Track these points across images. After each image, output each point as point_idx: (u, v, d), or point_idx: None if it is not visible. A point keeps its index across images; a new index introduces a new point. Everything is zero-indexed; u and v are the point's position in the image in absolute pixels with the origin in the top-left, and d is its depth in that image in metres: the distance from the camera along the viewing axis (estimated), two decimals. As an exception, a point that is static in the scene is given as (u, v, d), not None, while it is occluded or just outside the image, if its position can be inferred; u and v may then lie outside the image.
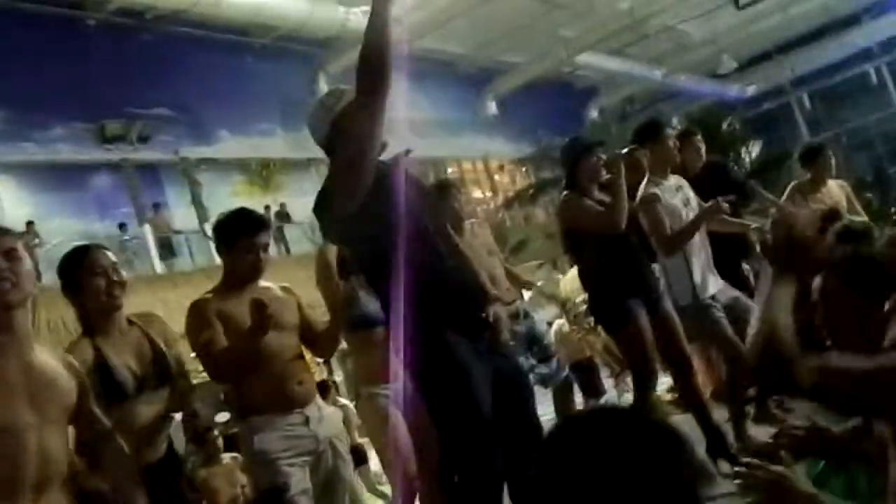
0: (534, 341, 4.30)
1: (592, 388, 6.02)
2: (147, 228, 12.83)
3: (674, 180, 3.83)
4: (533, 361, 4.26)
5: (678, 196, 3.77)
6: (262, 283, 2.81)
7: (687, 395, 3.66)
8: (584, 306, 5.73)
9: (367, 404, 3.29)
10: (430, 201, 3.84)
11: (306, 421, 2.70)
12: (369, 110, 2.18)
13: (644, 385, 3.53)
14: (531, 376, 3.96)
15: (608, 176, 3.45)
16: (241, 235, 2.75)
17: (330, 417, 2.84)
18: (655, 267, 3.76)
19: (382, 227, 2.20)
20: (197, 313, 2.67)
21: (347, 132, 2.24)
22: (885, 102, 21.99)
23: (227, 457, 4.84)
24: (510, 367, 2.43)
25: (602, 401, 5.91)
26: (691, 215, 3.70)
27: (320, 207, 2.37)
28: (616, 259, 3.50)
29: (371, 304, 3.05)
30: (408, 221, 2.22)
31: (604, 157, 3.55)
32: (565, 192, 3.60)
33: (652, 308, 3.49)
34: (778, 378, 1.48)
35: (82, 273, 2.50)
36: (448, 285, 2.32)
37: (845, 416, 1.87)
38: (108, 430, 2.04)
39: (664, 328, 3.48)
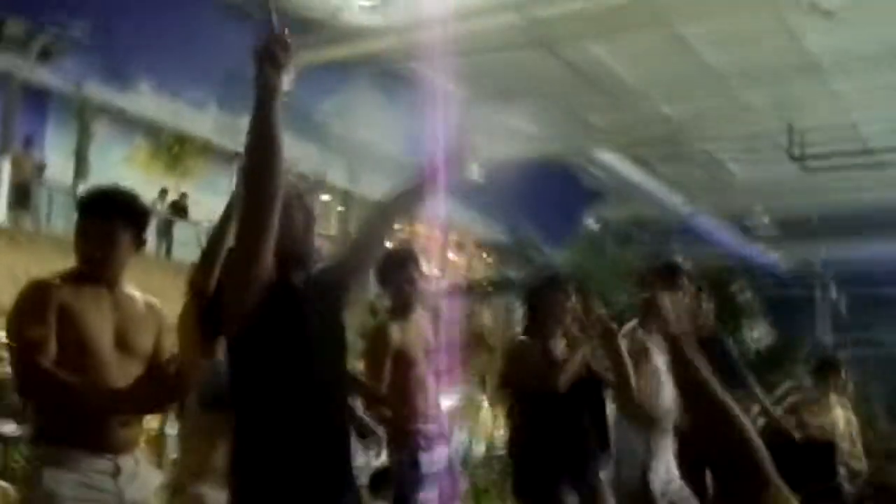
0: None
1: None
2: (4, 164, 12.60)
3: None
4: None
5: (664, 358, 3.92)
6: (128, 288, 2.81)
7: None
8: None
9: None
10: (380, 273, 4.07)
11: (115, 473, 2.67)
12: (256, 227, 2.25)
13: None
14: None
15: (576, 331, 3.62)
16: (98, 216, 2.73)
17: (146, 479, 2.80)
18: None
19: (272, 345, 2.33)
20: (35, 299, 2.64)
21: (235, 238, 2.36)
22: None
23: (-3, 485, 4.69)
24: None
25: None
26: (670, 385, 3.85)
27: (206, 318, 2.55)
28: (556, 432, 3.70)
29: None
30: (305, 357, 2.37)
31: (571, 296, 3.77)
32: (520, 336, 3.75)
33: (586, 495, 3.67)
34: None
35: None
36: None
37: None
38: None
39: None
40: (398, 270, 4.13)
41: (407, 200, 2.73)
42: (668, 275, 4.05)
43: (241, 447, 2.38)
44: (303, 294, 2.40)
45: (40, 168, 13.63)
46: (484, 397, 12.16)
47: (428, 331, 4.28)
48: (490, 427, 9.18)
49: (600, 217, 22.85)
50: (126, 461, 2.70)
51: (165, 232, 13.82)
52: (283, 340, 2.34)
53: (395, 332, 4.09)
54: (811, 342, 16.05)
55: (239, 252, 2.32)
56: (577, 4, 11.31)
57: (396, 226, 2.81)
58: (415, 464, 3.93)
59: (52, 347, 2.58)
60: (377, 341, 4.09)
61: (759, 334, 10.70)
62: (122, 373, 2.69)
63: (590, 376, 3.97)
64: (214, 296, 2.61)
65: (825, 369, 5.47)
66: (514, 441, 3.89)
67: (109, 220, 2.72)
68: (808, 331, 20.80)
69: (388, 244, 4.20)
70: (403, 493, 3.93)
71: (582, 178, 22.81)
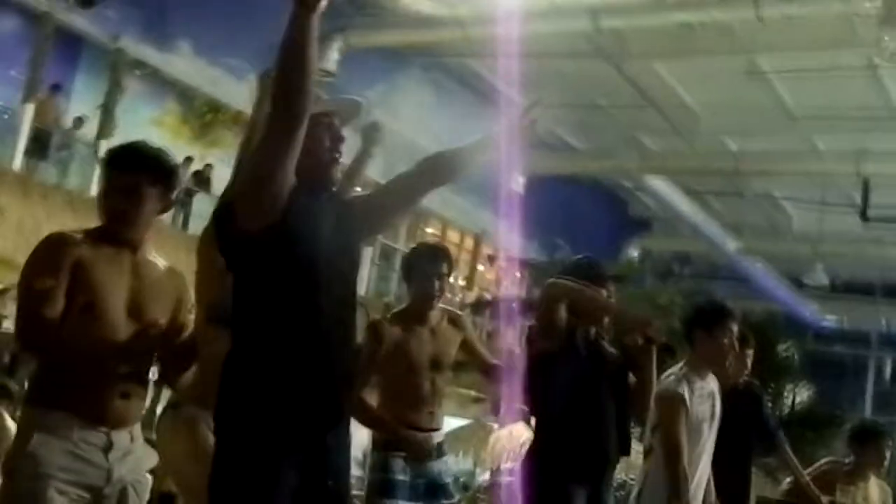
0: (437, 490, 4.28)
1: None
2: (28, 109, 12.66)
3: (710, 384, 3.98)
4: None
5: (706, 404, 3.90)
6: (151, 253, 2.79)
7: None
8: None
9: (185, 427, 3.19)
10: (407, 263, 4.06)
11: (107, 448, 2.65)
12: (280, 143, 2.36)
13: None
14: None
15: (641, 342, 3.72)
16: (126, 170, 2.74)
17: (139, 458, 2.78)
18: None
19: (280, 262, 2.42)
20: (51, 250, 2.64)
21: (257, 149, 2.46)
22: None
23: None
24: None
25: None
26: (713, 435, 3.88)
27: (220, 218, 2.53)
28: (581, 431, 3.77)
29: None
30: (313, 262, 2.45)
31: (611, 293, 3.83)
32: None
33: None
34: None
35: None
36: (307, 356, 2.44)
37: None
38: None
39: None
40: (427, 264, 4.07)
41: (454, 160, 2.74)
42: (715, 317, 4.01)
43: (233, 365, 2.46)
44: (319, 214, 2.47)
45: (80, 121, 13.70)
46: (495, 423, 12.07)
47: (448, 343, 4.22)
48: (497, 453, 9.08)
49: (643, 246, 22.74)
50: (120, 436, 2.68)
51: (184, 203, 13.82)
52: (291, 259, 2.42)
53: (395, 330, 4.06)
54: (854, 408, 15.86)
55: (259, 164, 2.39)
56: (654, 20, 11.18)
57: (444, 180, 2.84)
58: (385, 467, 3.93)
59: (60, 302, 2.57)
60: (372, 335, 4.06)
61: (800, 397, 10.55)
62: (130, 335, 2.67)
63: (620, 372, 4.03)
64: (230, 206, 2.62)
65: (867, 437, 5.30)
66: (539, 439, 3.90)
67: (136, 174, 2.72)
68: (853, 396, 20.59)
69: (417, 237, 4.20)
70: (368, 494, 3.95)
71: (629, 204, 22.70)
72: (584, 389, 3.90)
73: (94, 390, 2.63)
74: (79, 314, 2.59)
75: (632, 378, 4.01)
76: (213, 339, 3.16)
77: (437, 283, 4.10)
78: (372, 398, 4.09)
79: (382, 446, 3.98)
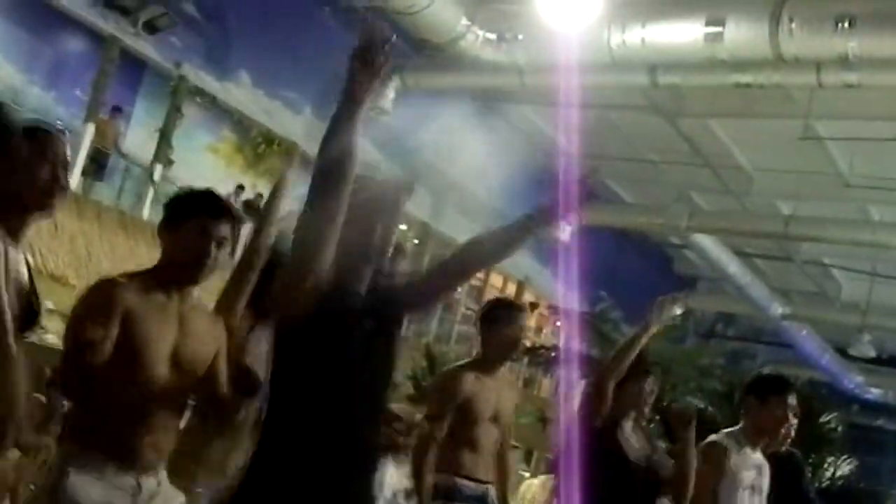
0: None
1: None
2: (89, 129, 12.91)
3: (759, 457, 3.98)
4: None
5: (751, 472, 3.90)
6: (196, 296, 2.85)
7: None
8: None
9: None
10: (486, 318, 4.12)
11: (136, 493, 2.68)
12: (318, 235, 2.34)
13: None
14: None
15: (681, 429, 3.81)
16: (196, 213, 2.78)
17: (165, 500, 2.80)
18: None
19: (311, 356, 2.40)
20: (101, 297, 2.67)
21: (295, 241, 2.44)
22: None
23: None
24: None
25: None
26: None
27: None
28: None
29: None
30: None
31: (652, 384, 3.87)
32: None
33: None
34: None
35: (27, 152, 2.48)
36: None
37: None
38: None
39: None
40: (506, 322, 4.13)
41: (509, 238, 2.67)
42: (774, 387, 4.04)
43: (263, 449, 2.44)
44: (363, 304, 2.44)
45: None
46: (527, 471, 11.97)
47: (507, 399, 4.26)
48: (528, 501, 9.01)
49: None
50: (148, 480, 2.72)
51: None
52: (329, 350, 2.39)
53: (469, 381, 4.09)
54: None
55: (299, 258, 2.38)
56: (712, 79, 11.15)
57: (488, 265, 2.87)
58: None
59: (107, 352, 2.60)
60: (447, 384, 4.11)
61: (841, 471, 10.33)
62: (170, 382, 2.71)
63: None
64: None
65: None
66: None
67: (232, 225, 2.82)
68: (892, 478, 20.13)
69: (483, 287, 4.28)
70: None
71: (674, 260, 22.56)
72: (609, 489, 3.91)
73: (129, 436, 2.67)
74: (122, 361, 2.63)
75: (669, 465, 4.04)
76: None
77: (509, 344, 4.16)
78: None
79: (443, 496, 4.00)
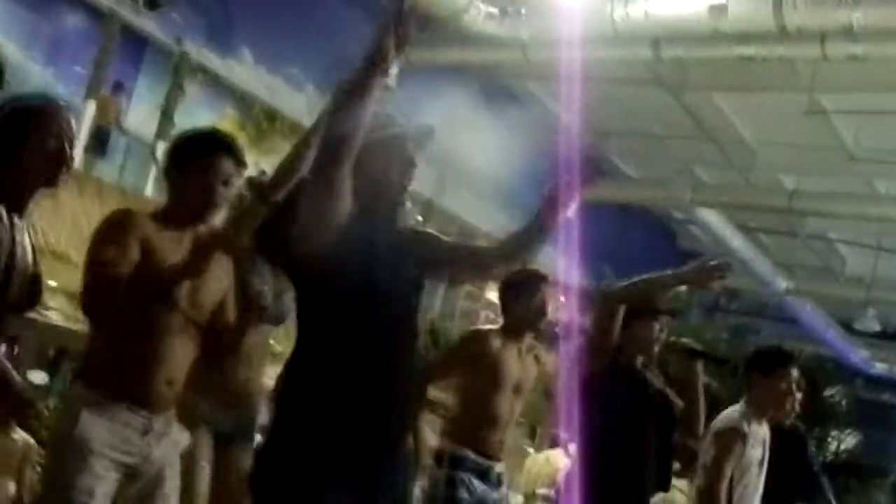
0: None
1: None
2: (90, 106, 12.88)
3: (763, 430, 4.00)
4: None
5: (758, 449, 3.93)
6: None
7: None
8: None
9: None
10: (513, 286, 4.13)
11: (146, 431, 2.73)
12: (328, 183, 2.44)
13: None
14: None
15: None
16: (200, 154, 2.84)
17: (175, 440, 2.87)
18: None
19: (335, 282, 2.47)
20: (121, 220, 2.74)
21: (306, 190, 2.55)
22: None
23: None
24: None
25: None
26: (761, 482, 3.95)
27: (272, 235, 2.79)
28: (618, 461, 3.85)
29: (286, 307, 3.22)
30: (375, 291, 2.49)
31: (664, 327, 3.83)
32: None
33: None
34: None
35: (33, 127, 2.50)
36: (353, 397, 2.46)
37: None
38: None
39: None
40: (530, 291, 4.13)
41: (523, 240, 2.76)
42: (777, 361, 4.05)
43: (291, 379, 2.54)
44: (378, 238, 2.52)
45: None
46: (531, 447, 11.99)
47: (530, 370, 4.25)
48: (533, 477, 9.05)
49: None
50: (159, 420, 2.78)
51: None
52: (344, 279, 2.46)
53: (496, 343, 4.10)
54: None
55: (309, 207, 2.46)
56: (716, 51, 11.07)
57: (508, 265, 2.90)
58: (451, 483, 3.95)
59: (126, 269, 2.65)
60: (477, 336, 4.12)
61: (845, 444, 10.35)
62: (185, 323, 2.79)
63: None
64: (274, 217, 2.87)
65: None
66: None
67: (239, 163, 2.88)
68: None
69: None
70: None
71: (678, 235, 22.51)
72: (624, 419, 3.88)
73: (142, 375, 2.73)
74: (137, 295, 2.67)
75: (680, 403, 4.02)
76: (249, 339, 3.29)
77: (535, 315, 4.15)
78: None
79: (449, 464, 4.00)
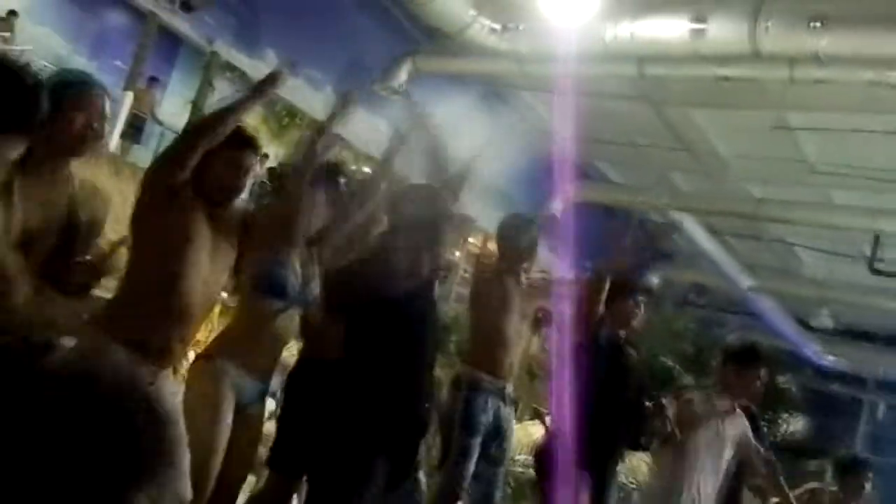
0: (497, 435, 4.35)
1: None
2: (128, 96, 12.91)
3: (725, 404, 4.06)
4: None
5: (726, 429, 3.96)
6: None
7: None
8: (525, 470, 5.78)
9: (210, 378, 3.23)
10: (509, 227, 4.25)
11: (151, 382, 2.75)
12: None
13: None
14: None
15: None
16: (224, 147, 2.94)
17: (172, 389, 2.92)
18: None
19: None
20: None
21: None
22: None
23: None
24: None
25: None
26: (726, 456, 3.99)
27: None
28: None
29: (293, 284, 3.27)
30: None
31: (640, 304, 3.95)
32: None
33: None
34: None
35: (68, 103, 2.53)
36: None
37: None
38: None
39: None
40: (520, 233, 4.28)
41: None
42: (748, 357, 4.14)
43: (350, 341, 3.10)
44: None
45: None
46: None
47: (530, 301, 4.35)
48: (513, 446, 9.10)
49: (664, 278, 22.55)
50: (163, 374, 2.81)
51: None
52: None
53: (497, 274, 4.25)
54: (845, 445, 15.60)
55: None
56: (695, 71, 11.12)
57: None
58: (468, 404, 4.05)
59: (187, 174, 2.84)
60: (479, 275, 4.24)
61: (794, 428, 10.44)
62: (203, 288, 2.83)
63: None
64: None
65: (849, 470, 5.29)
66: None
67: (255, 155, 3.03)
68: (845, 433, 20.25)
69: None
70: (452, 435, 4.06)
71: (655, 236, 22.53)
72: (601, 383, 3.96)
73: (157, 330, 2.75)
74: (169, 253, 2.75)
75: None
76: (256, 307, 3.30)
77: (533, 245, 4.32)
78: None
79: (468, 386, 4.09)
